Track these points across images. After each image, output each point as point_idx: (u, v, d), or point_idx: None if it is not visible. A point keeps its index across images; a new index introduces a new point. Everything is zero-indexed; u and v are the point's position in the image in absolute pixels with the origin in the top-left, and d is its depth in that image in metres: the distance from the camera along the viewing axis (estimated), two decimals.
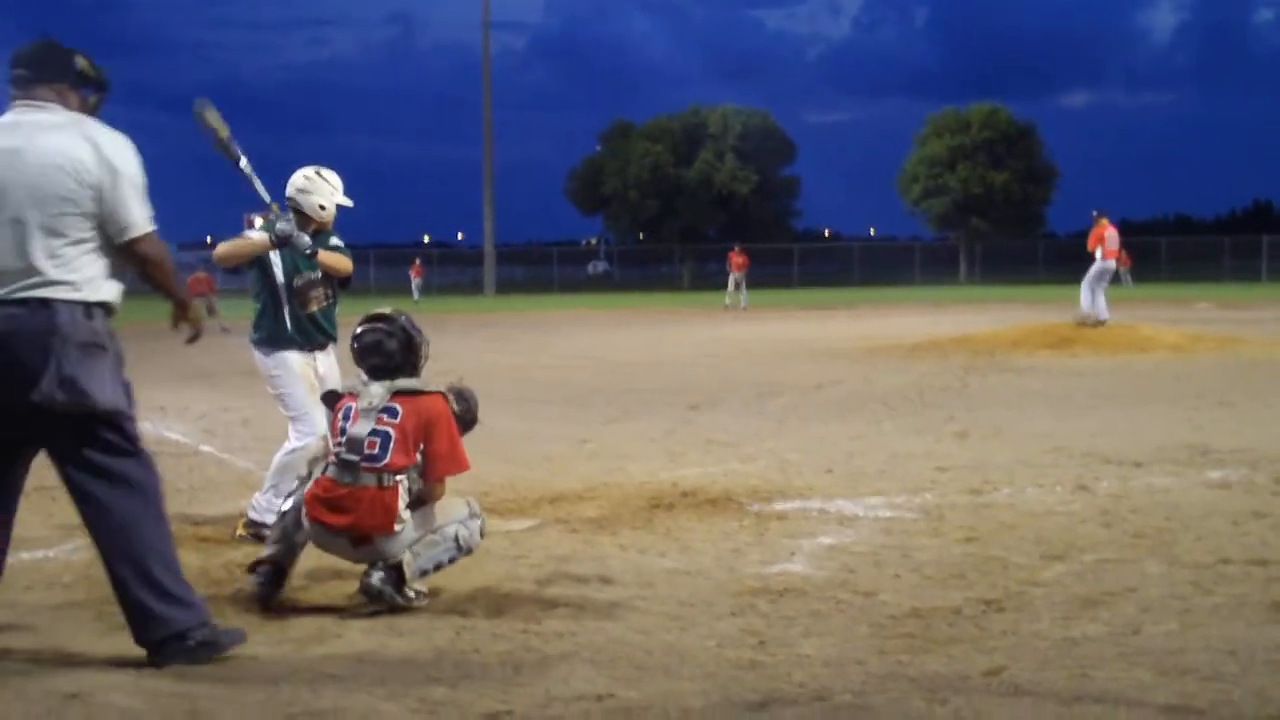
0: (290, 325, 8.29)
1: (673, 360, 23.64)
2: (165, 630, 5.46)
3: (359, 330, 6.91)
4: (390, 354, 6.81)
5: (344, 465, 6.49)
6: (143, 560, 5.49)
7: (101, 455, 5.48)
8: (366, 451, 6.47)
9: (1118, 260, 26.20)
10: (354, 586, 6.56)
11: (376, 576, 6.38)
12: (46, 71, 5.63)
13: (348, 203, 8.49)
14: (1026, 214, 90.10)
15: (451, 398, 6.90)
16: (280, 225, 8.01)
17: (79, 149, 5.43)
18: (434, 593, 6.57)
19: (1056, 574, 6.93)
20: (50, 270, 5.33)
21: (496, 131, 76.46)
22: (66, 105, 5.62)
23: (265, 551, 6.63)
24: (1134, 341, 23.11)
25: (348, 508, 6.41)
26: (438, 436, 6.59)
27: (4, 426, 5.45)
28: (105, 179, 5.43)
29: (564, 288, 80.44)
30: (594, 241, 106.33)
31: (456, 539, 6.63)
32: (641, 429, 13.30)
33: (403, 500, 6.47)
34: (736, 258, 47.31)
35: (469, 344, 29.43)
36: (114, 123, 5.63)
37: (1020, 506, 8.76)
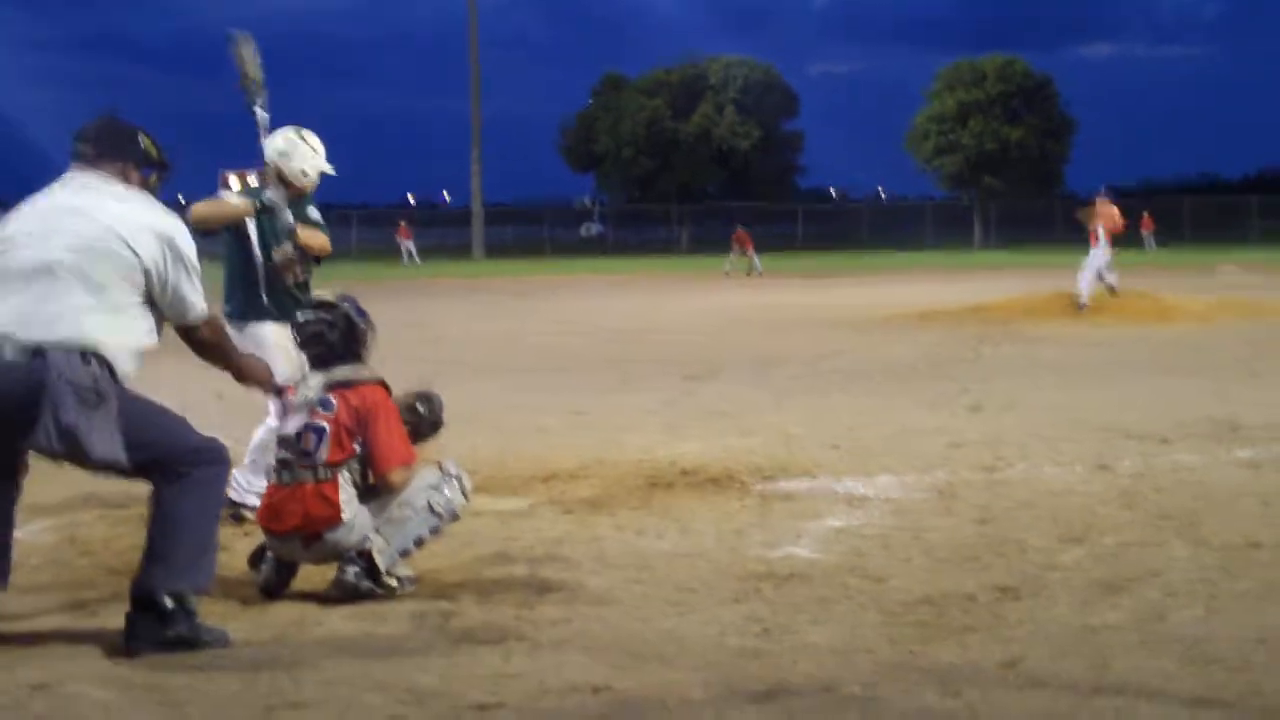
0: (266, 297, 8.26)
1: (670, 328, 23.64)
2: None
3: (301, 320, 6.91)
4: (331, 344, 6.79)
5: (282, 465, 6.52)
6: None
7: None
8: (301, 448, 6.47)
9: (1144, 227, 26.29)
10: (330, 569, 6.56)
11: (350, 571, 6.35)
12: (111, 149, 5.82)
13: (330, 170, 8.44)
14: (1044, 172, 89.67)
15: (416, 400, 6.90)
16: (268, 193, 7.98)
17: (140, 224, 5.59)
18: (419, 577, 6.56)
19: (1075, 557, 6.93)
20: (80, 323, 5.44)
21: (484, 83, 75.99)
22: (128, 182, 5.79)
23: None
24: (1156, 309, 23.14)
25: (291, 509, 6.41)
26: (375, 428, 6.53)
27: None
28: (162, 261, 5.60)
29: (556, 251, 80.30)
30: (589, 203, 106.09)
31: (430, 507, 6.58)
32: (639, 400, 13.31)
33: (344, 489, 6.43)
34: (743, 235, 47.47)
35: (456, 310, 29.45)
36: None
37: (1037, 485, 8.76)
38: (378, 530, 6.46)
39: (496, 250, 75.97)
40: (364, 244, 71.63)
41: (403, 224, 67.74)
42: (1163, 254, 56.39)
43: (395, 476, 6.53)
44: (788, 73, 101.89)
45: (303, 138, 8.33)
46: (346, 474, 6.46)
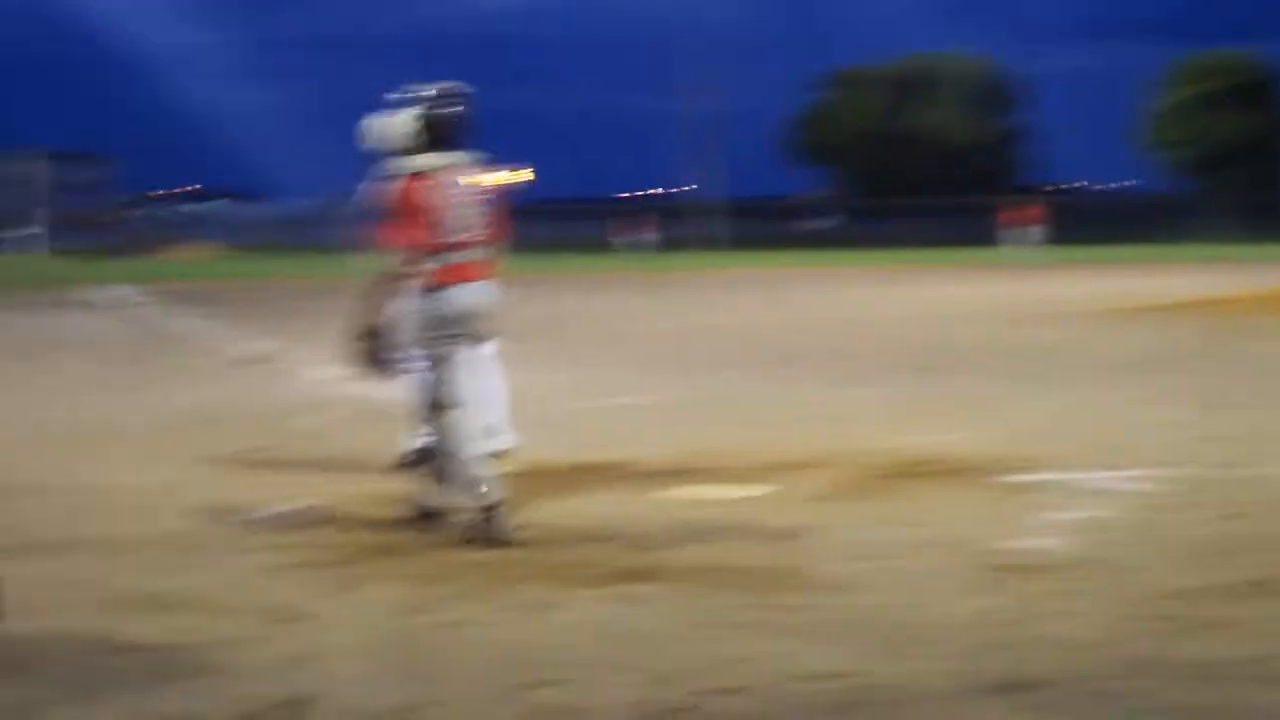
0: None
1: (904, 320, 23.43)
2: None
3: (441, 95, 7.73)
4: (462, 130, 7.70)
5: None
6: None
7: None
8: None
9: None
10: (581, 554, 6.63)
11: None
12: None
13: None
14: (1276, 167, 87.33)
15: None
16: None
17: None
18: (664, 561, 6.58)
19: None
20: None
21: (713, 79, 76.19)
22: None
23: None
24: None
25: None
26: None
27: None
28: None
29: (784, 244, 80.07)
30: (816, 196, 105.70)
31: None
32: (872, 392, 13.19)
33: None
34: (1021, 212, 47.73)
35: (693, 302, 29.54)
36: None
37: None
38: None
39: (730, 243, 76.01)
40: (592, 236, 72.03)
41: (631, 217, 66.47)
42: None
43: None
44: (1017, 66, 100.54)
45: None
46: None
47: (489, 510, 7.07)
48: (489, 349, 7.77)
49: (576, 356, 17.26)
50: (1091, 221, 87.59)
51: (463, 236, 7.52)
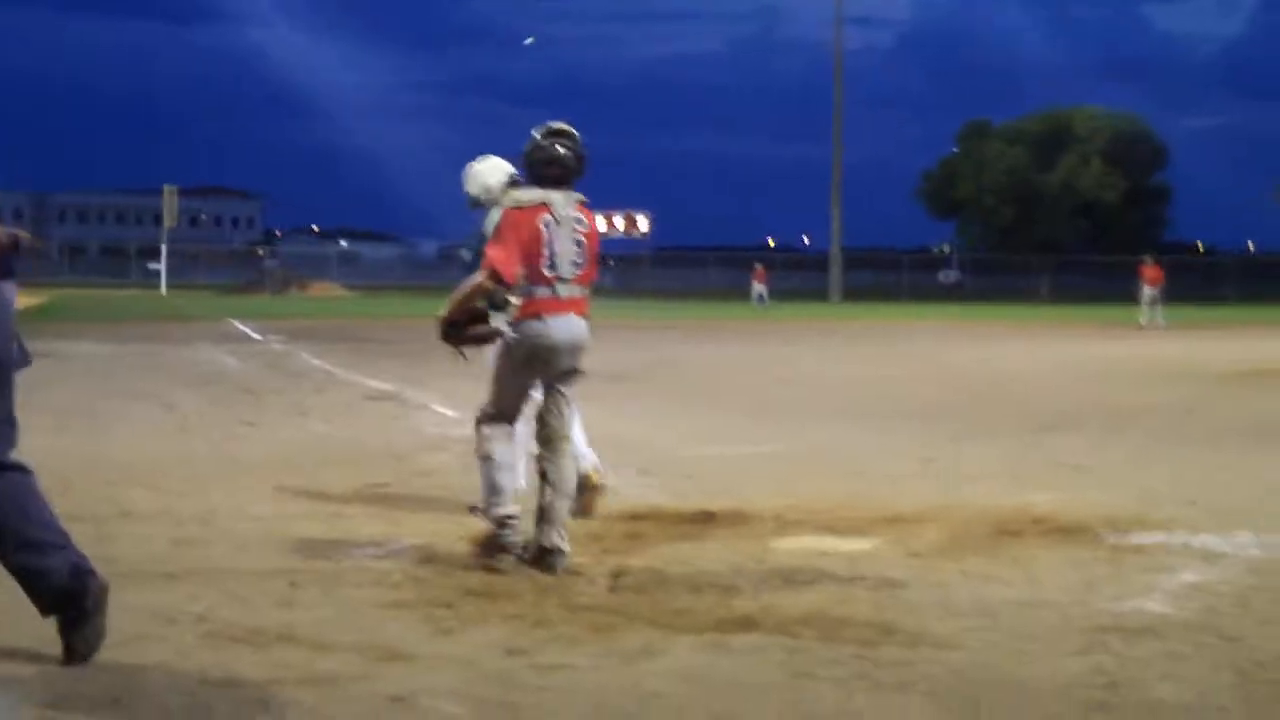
0: None
1: (1026, 377, 23.23)
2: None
3: (544, 140, 7.90)
4: (569, 169, 7.85)
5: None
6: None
7: None
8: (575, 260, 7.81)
9: None
10: (682, 601, 6.66)
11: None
12: None
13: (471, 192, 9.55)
14: None
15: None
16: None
17: None
18: (766, 611, 6.60)
19: None
20: None
21: (849, 131, 76.26)
22: None
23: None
24: None
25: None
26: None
27: None
28: None
29: (912, 296, 79.78)
30: (945, 249, 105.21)
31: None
32: (989, 449, 13.10)
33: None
34: (1149, 271, 45.31)
35: (810, 352, 29.49)
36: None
37: None
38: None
39: (852, 294, 75.87)
40: (721, 285, 72.14)
41: (759, 267, 66.09)
42: None
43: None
44: (1160, 124, 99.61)
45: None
46: None
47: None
48: (571, 387, 7.96)
49: (696, 404, 17.30)
50: (1240, 282, 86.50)
51: (556, 273, 7.74)
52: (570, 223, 7.80)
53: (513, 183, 9.01)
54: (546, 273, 7.70)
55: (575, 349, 7.84)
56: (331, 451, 12.29)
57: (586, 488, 8.74)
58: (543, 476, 7.75)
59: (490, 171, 9.43)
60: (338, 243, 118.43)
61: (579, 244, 7.82)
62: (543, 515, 7.61)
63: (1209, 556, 8.10)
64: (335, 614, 6.60)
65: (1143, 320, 44.15)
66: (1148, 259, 46.69)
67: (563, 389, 7.85)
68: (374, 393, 17.82)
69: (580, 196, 7.93)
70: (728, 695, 5.41)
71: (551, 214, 7.75)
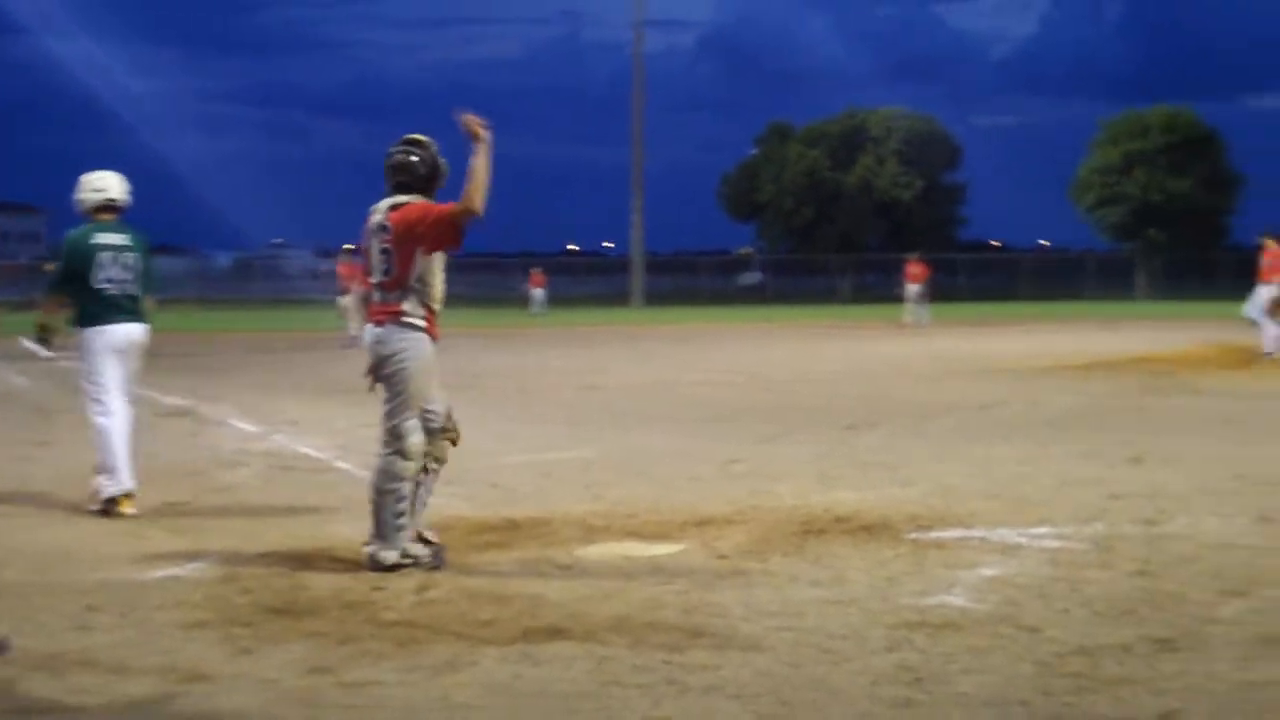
0: None
1: (828, 377, 23.53)
2: None
3: (393, 149, 8.09)
4: (416, 176, 8.03)
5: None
6: None
7: None
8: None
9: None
10: (488, 612, 6.63)
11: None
12: None
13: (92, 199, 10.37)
14: (1209, 225, 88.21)
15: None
16: None
17: None
18: (574, 619, 6.60)
19: (1236, 611, 6.78)
20: None
21: (651, 134, 76.58)
22: None
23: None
24: None
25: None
26: (425, 214, 7.92)
27: None
28: None
29: (714, 299, 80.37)
30: (748, 251, 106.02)
31: (378, 489, 7.97)
32: (794, 450, 13.25)
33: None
34: (914, 268, 45.44)
35: (614, 357, 29.54)
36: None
37: (1198, 538, 8.58)
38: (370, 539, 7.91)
39: (655, 298, 76.22)
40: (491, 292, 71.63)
41: (535, 271, 63.11)
42: None
43: (469, 204, 7.75)
44: (954, 124, 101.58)
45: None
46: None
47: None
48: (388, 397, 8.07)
49: (500, 412, 17.25)
50: (1034, 278, 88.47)
51: (372, 279, 8.06)
52: (379, 231, 7.89)
53: (105, 205, 10.28)
54: (371, 280, 8.09)
55: (374, 356, 7.99)
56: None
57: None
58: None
59: (83, 187, 10.30)
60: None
61: (384, 252, 7.90)
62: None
63: (1008, 550, 8.30)
64: (135, 636, 6.48)
65: (907, 319, 44.08)
66: (913, 256, 46.74)
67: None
68: (169, 409, 17.45)
69: (397, 201, 8.00)
70: (536, 705, 5.41)
71: (369, 223, 8.04)
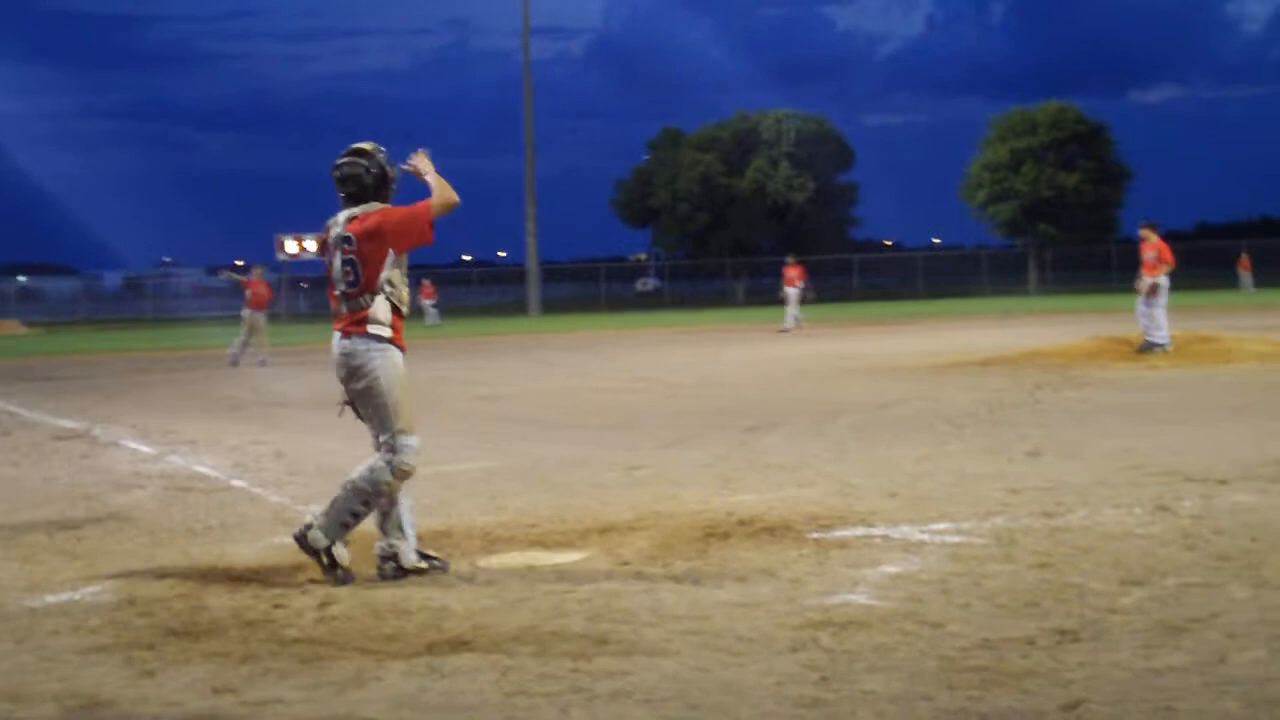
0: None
1: (727, 381, 23.61)
2: None
3: (338, 161, 8.10)
4: (366, 185, 8.02)
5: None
6: None
7: None
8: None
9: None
10: (392, 626, 6.60)
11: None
12: None
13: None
14: (1099, 218, 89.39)
15: None
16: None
17: None
18: (478, 630, 6.59)
19: (1136, 600, 6.88)
20: None
21: (543, 142, 76.66)
22: None
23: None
24: (1216, 352, 22.97)
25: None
26: (390, 216, 7.99)
27: None
28: None
29: (611, 306, 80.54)
30: (643, 257, 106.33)
31: (355, 483, 7.95)
32: (695, 454, 13.28)
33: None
34: (790, 271, 44.59)
35: (512, 367, 29.49)
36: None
37: (1097, 529, 8.69)
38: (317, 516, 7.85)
39: (552, 307, 76.23)
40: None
41: (425, 283, 61.57)
42: (1223, 296, 55.92)
43: (447, 196, 7.97)
44: (845, 125, 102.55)
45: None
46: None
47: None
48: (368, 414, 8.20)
49: None
50: (927, 277, 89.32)
51: (335, 290, 8.09)
52: (340, 244, 7.93)
53: None
54: (335, 292, 8.09)
55: (343, 368, 8.08)
56: (21, 495, 11.88)
57: None
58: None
59: None
60: (15, 279, 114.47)
61: (348, 263, 7.97)
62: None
63: (910, 546, 8.37)
64: (32, 662, 6.39)
65: (788, 323, 43.01)
66: (790, 259, 46.42)
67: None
68: (62, 432, 17.24)
69: (354, 213, 8.07)
70: (443, 718, 5.38)
71: (329, 235, 8.09)
